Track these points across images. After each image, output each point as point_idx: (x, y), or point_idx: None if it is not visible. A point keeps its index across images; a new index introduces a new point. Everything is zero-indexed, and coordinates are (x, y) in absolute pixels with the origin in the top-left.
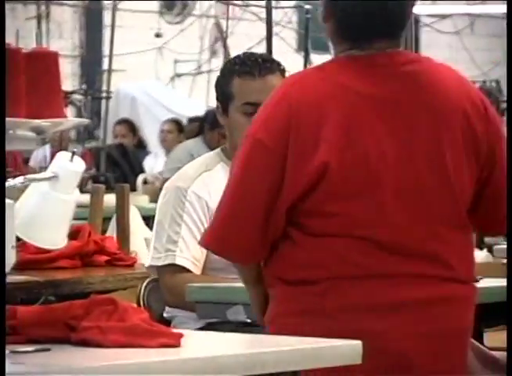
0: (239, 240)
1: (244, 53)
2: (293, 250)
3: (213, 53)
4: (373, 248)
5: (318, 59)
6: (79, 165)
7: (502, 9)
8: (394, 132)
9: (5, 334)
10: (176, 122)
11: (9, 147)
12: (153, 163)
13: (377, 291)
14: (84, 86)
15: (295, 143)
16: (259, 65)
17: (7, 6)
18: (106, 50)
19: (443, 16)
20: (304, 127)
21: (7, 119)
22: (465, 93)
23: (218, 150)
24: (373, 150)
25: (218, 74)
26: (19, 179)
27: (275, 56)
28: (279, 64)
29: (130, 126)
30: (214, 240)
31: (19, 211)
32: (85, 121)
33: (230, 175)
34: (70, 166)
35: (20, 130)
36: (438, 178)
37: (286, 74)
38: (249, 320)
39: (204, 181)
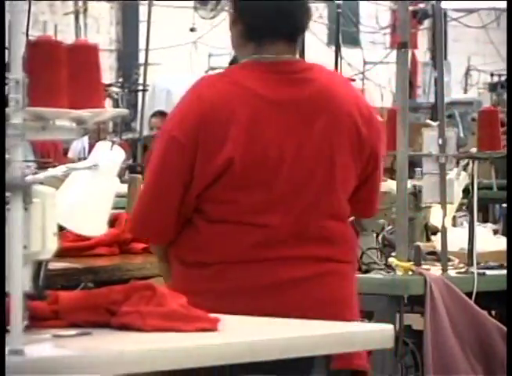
0: (157, 225)
1: None
2: (193, 234)
3: None
4: (262, 234)
5: (348, 52)
6: (119, 154)
7: None
8: (291, 132)
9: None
10: None
11: (50, 137)
12: None
13: (265, 273)
14: (120, 79)
15: (205, 141)
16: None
17: (46, 2)
18: (142, 44)
19: (470, 11)
20: (214, 126)
21: (49, 109)
22: (353, 99)
23: None
24: (272, 147)
25: None
26: (62, 169)
27: (308, 50)
28: None
29: (165, 118)
30: (136, 225)
31: (60, 199)
32: (124, 111)
33: (146, 167)
34: (110, 155)
35: (62, 120)
36: (326, 174)
37: None
38: None
39: None
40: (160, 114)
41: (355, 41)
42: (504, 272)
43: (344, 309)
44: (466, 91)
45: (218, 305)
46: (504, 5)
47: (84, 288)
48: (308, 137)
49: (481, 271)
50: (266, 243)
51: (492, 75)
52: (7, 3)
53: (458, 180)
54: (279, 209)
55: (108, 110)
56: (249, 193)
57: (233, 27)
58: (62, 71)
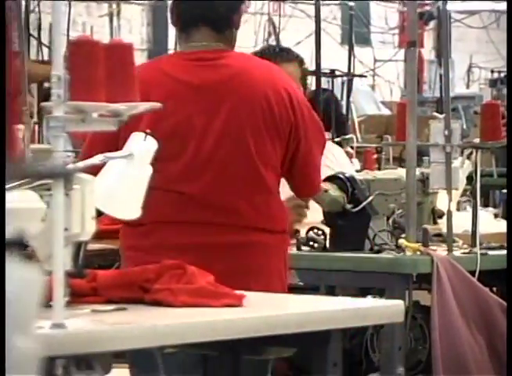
0: None
1: (268, 45)
2: None
3: None
4: (184, 200)
5: (360, 51)
6: (152, 144)
7: None
8: (202, 111)
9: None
10: None
11: (89, 129)
12: None
13: (183, 234)
14: None
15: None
16: (276, 54)
17: (83, 4)
18: (170, 44)
19: (472, 13)
20: None
21: (88, 103)
22: (270, 83)
23: None
24: (182, 124)
25: None
26: (99, 158)
27: (323, 49)
28: (297, 55)
29: None
30: None
31: (98, 186)
32: (157, 105)
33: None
34: (143, 145)
35: (100, 113)
36: (237, 147)
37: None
38: (301, 283)
39: None
40: None
41: (366, 41)
42: (504, 252)
43: (256, 278)
44: (468, 86)
45: (146, 259)
46: (503, 6)
47: (118, 267)
48: (217, 115)
49: (484, 251)
50: (182, 208)
51: (492, 72)
52: (48, 4)
53: (462, 168)
54: (190, 178)
55: (142, 104)
56: (167, 165)
57: (171, 20)
58: (99, 68)
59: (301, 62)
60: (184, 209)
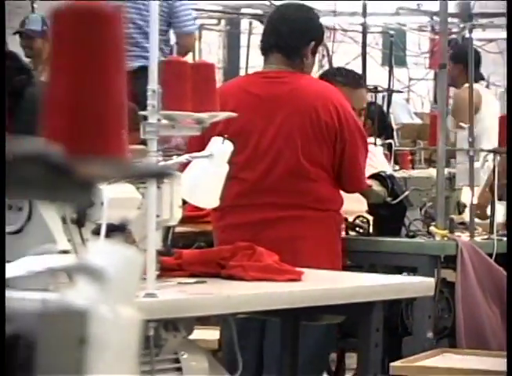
0: None
1: (343, 68)
2: None
3: (320, 67)
4: (245, 185)
5: (397, 71)
6: (228, 146)
7: None
8: (264, 116)
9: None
10: None
11: (178, 133)
12: None
13: (244, 214)
14: None
15: None
16: (356, 79)
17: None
18: (242, 63)
19: (490, 40)
20: None
21: (177, 112)
22: (321, 98)
23: None
24: (247, 126)
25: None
26: (185, 157)
27: (368, 69)
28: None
29: None
30: None
31: (184, 180)
32: (232, 114)
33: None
34: (222, 147)
35: (186, 120)
36: (287, 145)
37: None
38: (349, 262)
39: None
40: None
41: (402, 63)
42: None
43: (303, 243)
44: None
45: (223, 237)
46: None
47: (198, 247)
48: (273, 120)
49: (499, 237)
50: (244, 191)
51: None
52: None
53: (483, 169)
54: (250, 167)
55: (221, 113)
56: (236, 157)
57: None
58: (187, 83)
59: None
60: (245, 193)
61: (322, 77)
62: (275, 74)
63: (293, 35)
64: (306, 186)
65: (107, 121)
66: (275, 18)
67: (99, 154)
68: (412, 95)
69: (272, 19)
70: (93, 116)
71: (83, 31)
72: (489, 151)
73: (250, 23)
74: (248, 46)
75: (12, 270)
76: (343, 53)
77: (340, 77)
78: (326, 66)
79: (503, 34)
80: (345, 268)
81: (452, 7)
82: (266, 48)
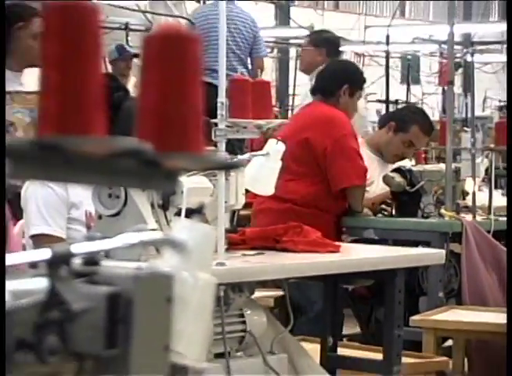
0: None
1: (424, 112)
2: None
3: None
4: None
5: (413, 88)
6: (281, 146)
7: None
8: (290, 131)
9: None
10: None
11: (241, 136)
12: None
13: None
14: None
15: None
16: (432, 127)
17: None
18: (291, 82)
19: (486, 63)
20: None
21: (241, 120)
22: (321, 121)
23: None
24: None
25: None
26: (247, 155)
27: (390, 87)
28: None
29: None
30: None
31: (247, 173)
32: (285, 121)
33: None
34: (276, 147)
35: (248, 126)
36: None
37: None
38: (377, 237)
39: None
40: None
41: (417, 81)
42: None
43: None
44: (483, 110)
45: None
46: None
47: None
48: (286, 127)
49: (496, 217)
50: None
51: (499, 101)
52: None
53: (482, 163)
54: None
55: (276, 120)
56: None
57: None
58: (248, 97)
59: None
60: None
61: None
62: (311, 104)
63: (328, 80)
64: (295, 185)
65: (189, 124)
66: (321, 69)
67: (181, 151)
68: (425, 107)
69: (320, 70)
70: (177, 120)
71: (169, 52)
72: (487, 149)
73: (297, 51)
74: (295, 69)
75: (111, 243)
76: (370, 74)
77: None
78: None
79: (498, 57)
80: (373, 241)
81: (457, 36)
82: (313, 90)
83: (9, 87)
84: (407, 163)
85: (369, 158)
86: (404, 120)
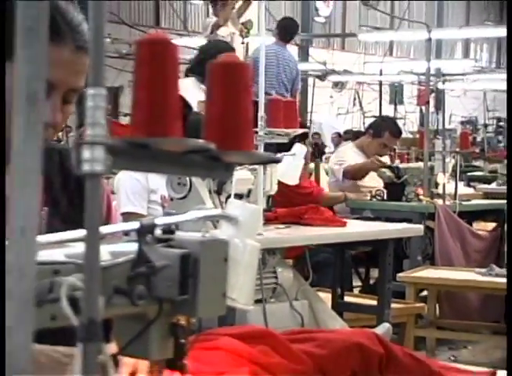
0: None
1: (394, 121)
2: None
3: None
4: None
5: (399, 107)
6: (304, 148)
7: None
8: None
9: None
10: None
11: (275, 141)
12: None
13: None
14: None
15: None
16: (400, 131)
17: None
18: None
19: (451, 90)
20: None
21: (275, 129)
22: None
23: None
24: None
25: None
26: (279, 155)
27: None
28: None
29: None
30: None
31: (278, 169)
32: (306, 130)
33: None
34: (299, 149)
35: (278, 134)
36: None
37: None
38: (372, 216)
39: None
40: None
41: (401, 102)
42: (470, 202)
43: None
44: (450, 124)
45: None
46: (467, 86)
47: None
48: None
49: (460, 202)
50: None
51: (461, 117)
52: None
53: (450, 162)
54: None
55: (299, 130)
56: None
57: None
58: (280, 112)
59: None
60: None
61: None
62: None
63: None
64: None
65: (242, 130)
66: None
67: (236, 149)
68: (407, 121)
69: None
70: (234, 127)
71: (230, 76)
72: (454, 152)
73: (314, 80)
74: (313, 94)
75: (183, 217)
76: (367, 97)
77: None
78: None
79: (460, 85)
80: (369, 219)
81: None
82: None
83: None
84: (386, 159)
85: (357, 156)
86: (378, 128)
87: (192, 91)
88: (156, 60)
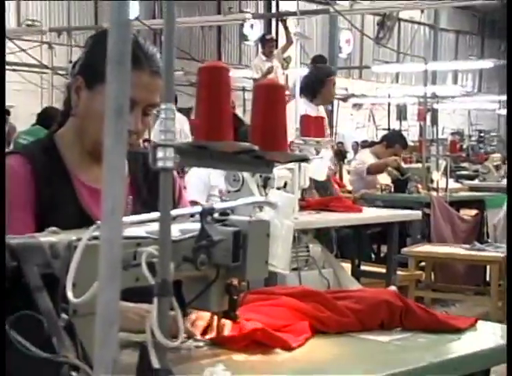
0: None
1: (402, 135)
2: None
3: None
4: None
5: (404, 123)
6: (329, 153)
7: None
8: None
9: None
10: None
11: (307, 147)
12: None
13: None
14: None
15: None
16: (406, 144)
17: None
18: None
19: (444, 109)
20: None
21: (306, 138)
22: None
23: None
24: None
25: None
26: (311, 158)
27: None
28: None
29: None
30: None
31: (309, 168)
32: (331, 139)
33: None
34: (326, 153)
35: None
36: None
37: None
38: (382, 205)
39: None
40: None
41: (405, 118)
42: (458, 194)
43: None
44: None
45: None
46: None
47: None
48: None
49: (450, 194)
50: None
51: (451, 130)
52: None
53: (442, 164)
54: None
55: (326, 139)
56: None
57: None
58: (312, 125)
59: None
60: None
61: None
62: None
63: None
64: None
65: (279, 135)
66: None
67: (275, 150)
68: (410, 132)
69: None
70: (273, 133)
71: (270, 94)
72: (445, 156)
73: (338, 102)
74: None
75: (235, 203)
76: (380, 115)
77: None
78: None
79: (451, 105)
80: (379, 206)
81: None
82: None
83: None
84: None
85: (372, 160)
86: (391, 140)
87: (301, 107)
88: (213, 82)
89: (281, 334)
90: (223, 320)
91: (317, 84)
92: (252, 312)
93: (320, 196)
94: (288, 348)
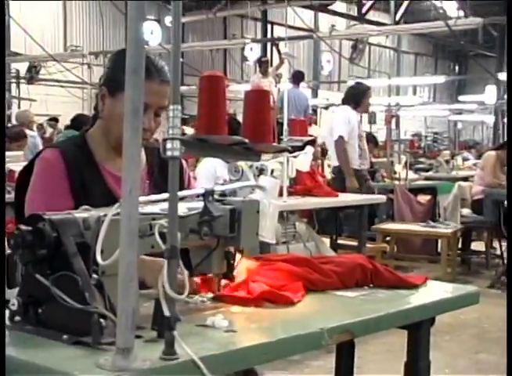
0: None
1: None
2: None
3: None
4: None
5: (373, 126)
6: (311, 149)
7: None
8: None
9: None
10: None
11: (293, 144)
12: None
13: None
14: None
15: None
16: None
17: None
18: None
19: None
20: None
21: (292, 136)
22: None
23: None
24: None
25: None
26: (296, 153)
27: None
28: None
29: None
30: None
31: (295, 161)
32: (313, 137)
33: None
34: (309, 149)
35: (295, 139)
36: None
37: None
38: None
39: None
40: None
41: (375, 122)
42: (416, 182)
43: None
44: (405, 135)
45: None
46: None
47: None
48: None
49: (409, 182)
50: None
51: (412, 132)
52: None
53: (403, 158)
54: None
55: (309, 137)
56: None
57: None
58: (297, 127)
59: None
60: None
61: None
62: None
63: None
64: None
65: (266, 131)
66: None
67: (263, 142)
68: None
69: None
70: (261, 129)
71: (258, 99)
72: (406, 152)
73: (321, 109)
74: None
75: (232, 186)
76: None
77: None
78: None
79: (412, 113)
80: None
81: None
82: None
83: None
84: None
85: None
86: (356, 98)
87: (347, 112)
88: (212, 87)
89: (283, 293)
90: (223, 281)
91: (361, 96)
92: (257, 274)
93: (358, 182)
94: (291, 303)
